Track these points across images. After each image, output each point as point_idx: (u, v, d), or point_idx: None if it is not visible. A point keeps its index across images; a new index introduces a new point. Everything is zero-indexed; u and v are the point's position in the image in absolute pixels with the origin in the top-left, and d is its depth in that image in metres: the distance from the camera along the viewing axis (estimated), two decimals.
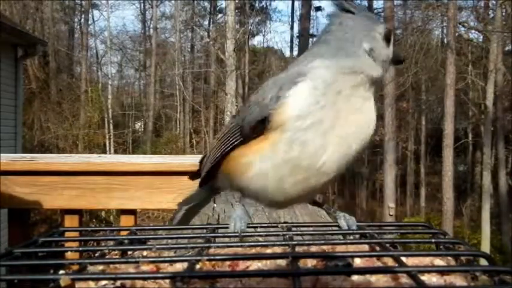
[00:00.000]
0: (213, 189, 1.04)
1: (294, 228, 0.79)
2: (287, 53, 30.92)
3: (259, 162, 0.82)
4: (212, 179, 0.99)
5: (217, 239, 0.74)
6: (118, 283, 0.56)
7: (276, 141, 0.79)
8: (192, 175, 1.06)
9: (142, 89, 30.78)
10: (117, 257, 0.69)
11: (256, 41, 31.66)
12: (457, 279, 0.58)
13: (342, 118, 0.78)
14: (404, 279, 0.57)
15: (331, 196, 23.42)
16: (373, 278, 0.59)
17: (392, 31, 0.87)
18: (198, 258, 0.61)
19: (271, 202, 0.91)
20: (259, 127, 0.81)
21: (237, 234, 0.81)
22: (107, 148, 23.77)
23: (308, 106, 0.77)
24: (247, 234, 0.82)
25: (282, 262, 0.63)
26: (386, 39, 0.85)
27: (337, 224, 0.84)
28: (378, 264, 0.64)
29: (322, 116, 0.77)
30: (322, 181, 0.82)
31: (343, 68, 0.80)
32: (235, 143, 0.86)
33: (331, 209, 0.91)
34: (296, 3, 27.52)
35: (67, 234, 0.78)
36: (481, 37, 21.50)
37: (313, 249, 0.70)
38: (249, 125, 0.83)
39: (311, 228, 0.86)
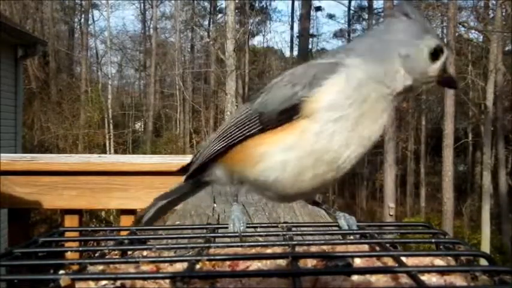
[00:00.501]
0: (200, 183, 0.99)
1: (294, 228, 0.79)
2: (287, 53, 30.96)
3: (280, 153, 0.79)
4: (201, 172, 0.95)
5: (217, 239, 0.74)
6: (118, 283, 0.56)
7: (304, 130, 0.76)
8: (179, 170, 1.02)
9: (142, 89, 30.79)
10: (117, 257, 0.69)
11: (256, 41, 31.69)
12: (457, 279, 0.58)
13: (364, 119, 0.78)
14: (404, 279, 0.57)
15: (331, 196, 23.43)
16: (373, 278, 0.59)
17: (444, 49, 0.82)
18: (198, 258, 0.61)
19: (279, 196, 0.87)
20: (285, 115, 0.77)
21: (237, 234, 0.81)
22: (107, 148, 23.77)
23: (340, 99, 0.76)
24: (247, 234, 0.82)
25: (282, 262, 0.63)
26: (434, 54, 0.81)
27: (337, 224, 0.84)
28: (378, 264, 0.64)
29: (350, 112, 0.77)
30: (338, 176, 0.82)
31: (374, 74, 0.79)
32: (252, 131, 0.82)
33: (331, 209, 0.91)
34: (296, 3, 27.54)
35: (67, 234, 0.78)
36: (481, 37, 21.50)
37: (313, 249, 0.70)
38: (274, 112, 0.79)
39: (311, 228, 0.86)
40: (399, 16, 0.83)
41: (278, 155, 0.79)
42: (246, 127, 0.83)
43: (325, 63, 0.81)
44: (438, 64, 0.81)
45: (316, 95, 0.76)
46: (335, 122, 0.76)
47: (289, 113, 0.77)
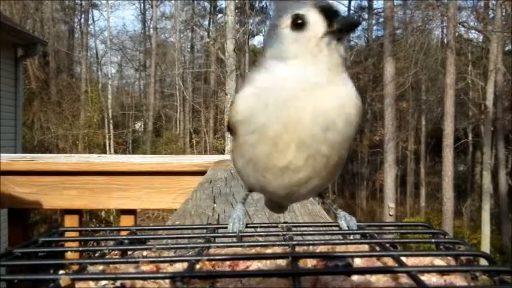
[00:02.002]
0: None
1: (294, 228, 0.79)
2: None
3: (236, 159, 0.86)
4: None
5: (217, 239, 0.74)
6: (118, 283, 0.56)
7: (237, 140, 0.82)
8: None
9: (142, 89, 30.80)
10: (117, 257, 0.69)
11: (256, 41, 31.67)
12: (457, 279, 0.58)
13: (291, 117, 0.75)
14: (404, 279, 0.57)
15: (331, 196, 23.42)
16: (373, 278, 0.59)
17: (302, 13, 0.76)
18: (198, 258, 0.61)
19: (268, 196, 0.93)
20: (229, 127, 0.84)
21: (235, 234, 0.81)
22: (107, 148, 23.78)
23: (246, 112, 0.78)
24: (245, 234, 0.82)
25: (282, 262, 0.63)
26: (297, 26, 0.77)
27: (337, 224, 0.84)
28: (378, 264, 0.64)
29: (264, 120, 0.76)
30: (301, 179, 0.80)
31: (267, 80, 0.78)
32: (228, 134, 0.92)
33: (333, 206, 0.90)
34: None
35: (67, 234, 0.78)
36: (481, 37, 21.51)
37: (313, 249, 0.70)
38: (226, 124, 0.86)
39: (311, 228, 0.86)
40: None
41: (236, 162, 0.87)
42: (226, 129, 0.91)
43: (250, 74, 0.84)
44: (310, 28, 0.77)
45: (232, 111, 0.81)
46: (252, 134, 0.78)
47: (228, 127, 0.84)
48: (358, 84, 25.00)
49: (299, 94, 0.75)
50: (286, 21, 0.78)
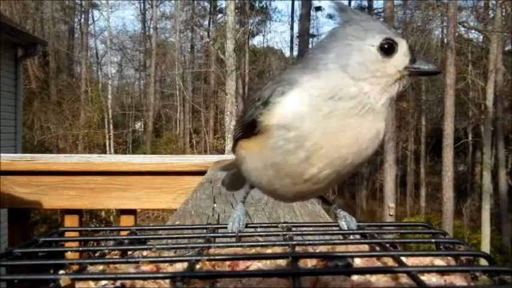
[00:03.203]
0: None
1: (294, 228, 0.79)
2: (287, 53, 30.98)
3: (250, 160, 0.85)
4: None
5: (217, 239, 0.74)
6: (118, 283, 0.56)
7: (262, 144, 0.80)
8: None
9: (142, 89, 30.79)
10: (117, 257, 0.69)
11: (256, 41, 31.68)
12: (457, 279, 0.58)
13: (330, 138, 0.75)
14: (404, 279, 0.57)
15: (331, 196, 23.42)
16: (373, 278, 0.59)
17: (397, 39, 0.78)
18: (198, 258, 0.61)
19: (271, 196, 0.93)
20: (251, 127, 0.81)
21: (234, 234, 0.81)
22: (107, 148, 23.78)
23: (292, 118, 0.76)
24: (245, 234, 0.82)
25: (282, 262, 0.63)
26: (386, 49, 0.77)
27: (337, 224, 0.84)
28: (378, 264, 0.64)
29: (308, 131, 0.75)
30: (314, 189, 0.81)
31: (325, 92, 0.75)
32: (238, 135, 0.88)
33: (333, 205, 0.91)
34: (296, 3, 27.60)
35: (67, 234, 0.78)
36: (481, 37, 21.50)
37: (313, 249, 0.70)
38: (246, 121, 0.84)
39: (311, 228, 0.86)
40: (341, 25, 0.80)
41: (250, 162, 0.85)
42: (237, 130, 0.90)
43: (283, 81, 0.80)
44: (396, 57, 0.77)
45: (270, 112, 0.78)
46: (289, 140, 0.76)
47: (252, 126, 0.81)
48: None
49: (353, 118, 0.75)
50: (376, 40, 0.77)
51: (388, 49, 0.77)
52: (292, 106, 0.76)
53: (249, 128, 0.82)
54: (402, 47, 0.78)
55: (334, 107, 0.74)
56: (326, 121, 0.74)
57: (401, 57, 0.78)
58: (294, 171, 0.78)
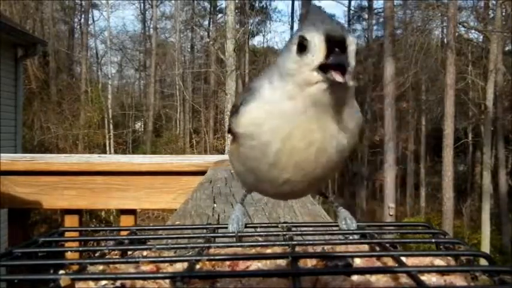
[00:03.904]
0: None
1: (294, 228, 0.79)
2: None
3: (235, 164, 0.88)
4: None
5: (217, 239, 0.74)
6: (118, 283, 0.56)
7: (238, 150, 0.82)
8: None
9: (142, 89, 30.78)
10: (117, 257, 0.69)
11: (256, 41, 31.70)
12: (457, 279, 0.58)
13: (292, 139, 0.74)
14: (404, 279, 0.57)
15: (331, 196, 23.41)
16: (373, 278, 0.59)
17: (309, 35, 0.69)
18: (198, 258, 0.61)
19: (264, 195, 0.96)
20: (230, 133, 0.84)
21: (234, 234, 0.81)
22: (107, 148, 23.77)
23: (252, 127, 0.76)
24: (245, 234, 0.82)
25: (282, 262, 0.63)
26: (300, 47, 0.70)
27: (337, 223, 0.84)
28: (378, 264, 0.64)
29: (267, 138, 0.75)
30: (297, 190, 0.82)
31: (275, 96, 0.74)
32: (229, 135, 0.89)
33: (334, 204, 0.90)
34: (296, 3, 27.60)
35: (67, 234, 0.78)
36: (481, 37, 21.50)
37: (313, 249, 0.70)
38: (227, 128, 0.87)
39: (311, 228, 0.86)
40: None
41: (236, 166, 0.88)
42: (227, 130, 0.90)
43: (250, 89, 0.81)
44: (308, 55, 0.69)
45: (237, 122, 0.79)
46: (253, 148, 0.77)
47: (230, 132, 0.83)
48: (358, 84, 24.95)
49: (305, 121, 0.73)
50: (296, 39, 0.72)
51: (301, 46, 0.71)
52: (252, 115, 0.77)
53: (229, 133, 0.84)
54: (314, 41, 0.69)
55: (285, 113, 0.73)
56: (282, 127, 0.74)
57: (314, 53, 0.69)
58: (267, 176, 0.79)
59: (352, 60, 0.70)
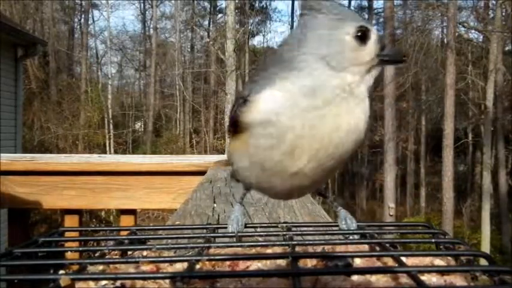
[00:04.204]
0: None
1: (294, 228, 0.79)
2: None
3: (238, 159, 0.85)
4: None
5: (217, 239, 0.74)
6: (118, 283, 0.56)
7: (245, 142, 0.79)
8: None
9: (142, 89, 30.78)
10: (117, 257, 0.69)
11: (256, 41, 31.65)
12: (457, 279, 0.58)
13: (314, 127, 0.74)
14: (404, 279, 0.57)
15: (331, 196, 23.42)
16: (373, 278, 0.59)
17: (369, 27, 0.77)
18: (198, 258, 0.61)
19: (264, 193, 0.93)
20: (235, 126, 0.81)
21: (234, 234, 0.81)
22: (107, 148, 23.78)
23: (270, 113, 0.75)
24: (244, 234, 0.82)
25: (282, 262, 0.63)
26: (361, 37, 0.76)
27: (337, 223, 0.84)
28: (378, 264, 0.64)
29: (287, 124, 0.74)
30: (303, 185, 0.81)
31: (305, 88, 0.74)
32: (229, 133, 0.87)
33: (333, 204, 0.90)
34: (296, 3, 27.54)
35: (67, 234, 0.78)
36: (481, 37, 21.51)
37: (313, 249, 0.70)
38: (229, 122, 0.84)
39: (311, 228, 0.86)
40: (310, 14, 0.78)
41: (238, 161, 0.85)
42: (227, 127, 0.88)
43: (261, 78, 0.79)
44: (369, 44, 0.77)
45: (248, 111, 0.77)
46: (268, 136, 0.75)
47: (235, 125, 0.80)
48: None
49: (333, 108, 0.74)
50: (351, 29, 0.76)
51: (362, 37, 0.77)
52: (270, 102, 0.76)
53: (233, 127, 0.81)
54: (374, 34, 0.78)
55: (314, 100, 0.74)
56: (305, 114, 0.73)
57: (373, 44, 0.78)
58: (278, 167, 0.77)
59: (375, 45, 0.79)
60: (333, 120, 0.74)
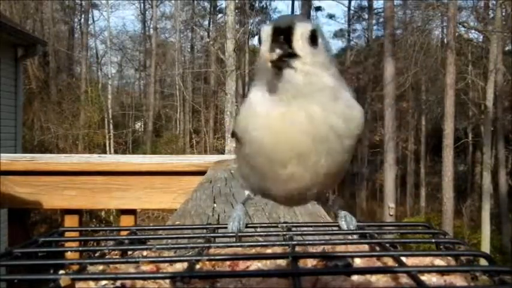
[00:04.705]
0: None
1: (294, 228, 0.79)
2: None
3: (240, 166, 0.90)
4: None
5: (217, 239, 0.74)
6: (118, 283, 0.56)
7: (242, 151, 0.83)
8: None
9: (142, 89, 30.79)
10: (117, 257, 0.69)
11: (256, 41, 31.63)
12: (457, 279, 0.58)
13: (279, 133, 0.75)
14: (404, 279, 0.57)
15: (331, 196, 23.42)
16: (373, 278, 0.59)
17: (261, 29, 0.76)
18: (198, 258, 0.61)
19: (269, 199, 0.94)
20: (233, 134, 0.86)
21: (234, 234, 0.81)
22: (107, 148, 23.77)
23: (244, 125, 0.79)
24: (244, 234, 0.82)
25: (282, 262, 0.63)
26: (259, 40, 0.76)
27: (337, 224, 0.84)
28: (378, 264, 0.64)
29: (258, 135, 0.76)
30: (305, 187, 0.81)
31: (261, 95, 0.77)
32: (233, 138, 0.92)
33: (334, 206, 0.90)
34: (296, 3, 27.58)
35: (67, 234, 0.78)
36: (481, 37, 21.50)
37: (313, 249, 0.70)
38: (231, 131, 0.90)
39: (311, 228, 0.86)
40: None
41: (241, 167, 0.90)
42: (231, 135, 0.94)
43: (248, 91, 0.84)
44: (262, 45, 0.75)
45: (235, 122, 0.84)
46: (250, 146, 0.79)
47: (233, 134, 0.86)
48: (358, 84, 25.01)
49: (287, 111, 0.74)
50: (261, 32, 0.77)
51: (259, 37, 0.77)
52: (243, 113, 0.80)
53: (233, 136, 0.86)
54: (263, 33, 0.75)
55: (266, 105, 0.75)
56: (268, 122, 0.75)
57: (264, 44, 0.75)
58: (270, 173, 0.79)
59: (297, 43, 0.73)
60: (290, 121, 0.74)
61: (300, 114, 0.74)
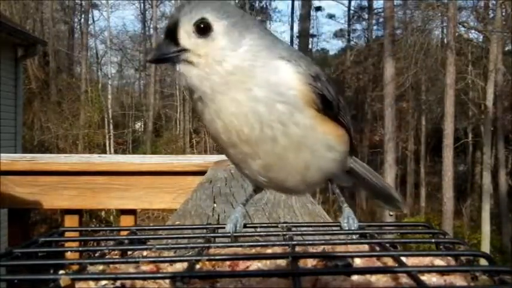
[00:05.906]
0: None
1: (294, 228, 0.79)
2: None
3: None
4: None
5: (217, 239, 0.74)
6: (118, 283, 0.56)
7: None
8: None
9: (142, 89, 30.77)
10: (117, 257, 0.69)
11: None
12: (457, 279, 0.58)
13: (226, 120, 0.79)
14: (404, 279, 0.57)
15: (331, 196, 23.43)
16: (373, 278, 0.59)
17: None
18: (198, 258, 0.61)
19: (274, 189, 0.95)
20: None
21: (234, 234, 0.81)
22: (107, 148, 23.77)
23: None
24: (244, 234, 0.82)
25: (282, 262, 0.63)
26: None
27: (337, 224, 0.84)
28: (378, 264, 0.64)
29: (215, 129, 0.81)
30: (285, 174, 0.81)
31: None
32: None
33: (340, 198, 0.90)
34: (296, 3, 27.55)
35: (67, 234, 0.78)
36: (481, 37, 21.50)
37: (313, 249, 0.70)
38: None
39: (311, 228, 0.86)
40: None
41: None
42: None
43: None
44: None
45: None
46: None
47: None
48: (357, 84, 25.01)
49: (222, 100, 0.77)
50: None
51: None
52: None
53: None
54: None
55: (202, 105, 0.80)
56: (205, 122, 0.83)
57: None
58: (247, 166, 0.81)
59: (183, 38, 0.75)
60: (226, 111, 0.76)
61: (225, 107, 0.76)
